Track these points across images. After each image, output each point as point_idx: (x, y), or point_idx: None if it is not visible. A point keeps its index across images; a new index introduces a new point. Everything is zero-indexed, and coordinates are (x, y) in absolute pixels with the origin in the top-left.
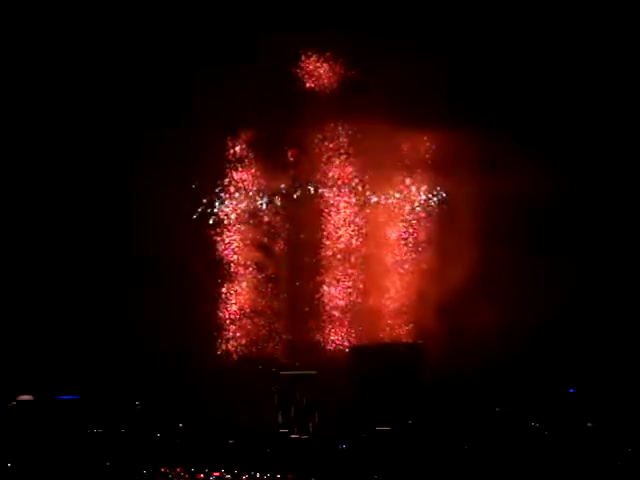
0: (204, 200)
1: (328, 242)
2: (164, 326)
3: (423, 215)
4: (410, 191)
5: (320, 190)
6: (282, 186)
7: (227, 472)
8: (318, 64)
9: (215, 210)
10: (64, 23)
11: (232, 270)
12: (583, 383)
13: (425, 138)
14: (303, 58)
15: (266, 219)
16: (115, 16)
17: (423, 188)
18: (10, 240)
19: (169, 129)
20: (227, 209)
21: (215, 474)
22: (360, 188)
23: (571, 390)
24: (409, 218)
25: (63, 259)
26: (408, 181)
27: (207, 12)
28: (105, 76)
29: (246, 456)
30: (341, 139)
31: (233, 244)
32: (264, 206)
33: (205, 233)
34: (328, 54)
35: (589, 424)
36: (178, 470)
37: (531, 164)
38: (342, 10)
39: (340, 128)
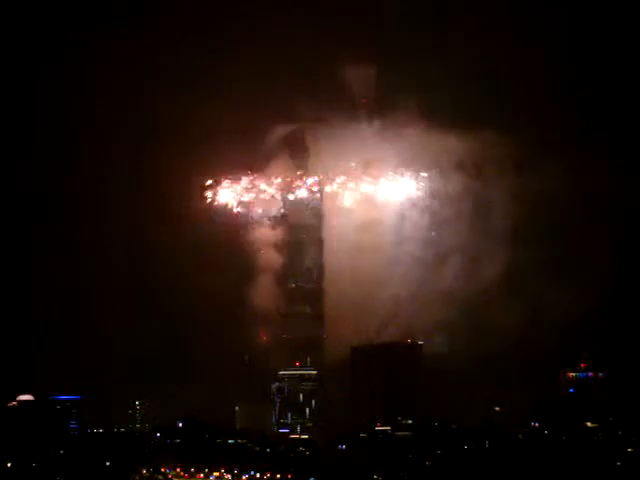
0: None
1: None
2: (164, 327)
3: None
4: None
5: None
6: None
7: (227, 472)
8: None
9: None
10: None
11: (230, 272)
12: (581, 384)
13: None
14: None
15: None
16: None
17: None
18: (11, 243)
19: None
20: None
21: (215, 474)
22: None
23: (571, 390)
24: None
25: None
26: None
27: None
28: None
29: (246, 456)
30: None
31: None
32: None
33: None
34: None
35: (588, 424)
36: (178, 470)
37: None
38: None
39: None
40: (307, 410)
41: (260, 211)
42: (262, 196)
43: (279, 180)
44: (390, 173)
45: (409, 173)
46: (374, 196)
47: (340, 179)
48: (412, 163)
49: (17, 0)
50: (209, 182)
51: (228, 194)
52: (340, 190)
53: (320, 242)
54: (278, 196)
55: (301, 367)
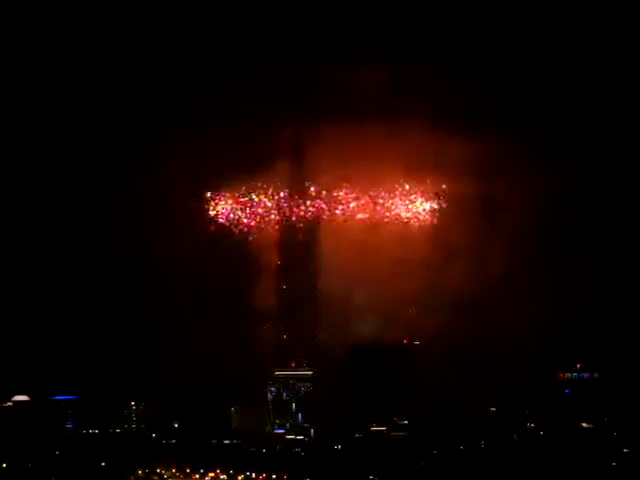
0: None
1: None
2: (162, 326)
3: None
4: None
5: None
6: None
7: (223, 472)
8: None
9: None
10: None
11: (230, 272)
12: (578, 386)
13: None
14: None
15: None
16: None
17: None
18: (9, 244)
19: None
20: None
21: (211, 474)
22: None
23: (566, 391)
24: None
25: (59, 263)
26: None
27: None
28: None
29: (242, 456)
30: None
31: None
32: None
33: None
34: None
35: (584, 425)
36: (174, 470)
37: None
38: None
39: None
40: (303, 410)
41: (258, 218)
42: (260, 203)
43: (278, 189)
44: (396, 179)
45: (415, 178)
46: (377, 199)
47: (341, 184)
48: (418, 167)
49: None
50: (208, 194)
51: (225, 205)
52: (342, 194)
53: (317, 242)
54: (276, 203)
55: (297, 367)
